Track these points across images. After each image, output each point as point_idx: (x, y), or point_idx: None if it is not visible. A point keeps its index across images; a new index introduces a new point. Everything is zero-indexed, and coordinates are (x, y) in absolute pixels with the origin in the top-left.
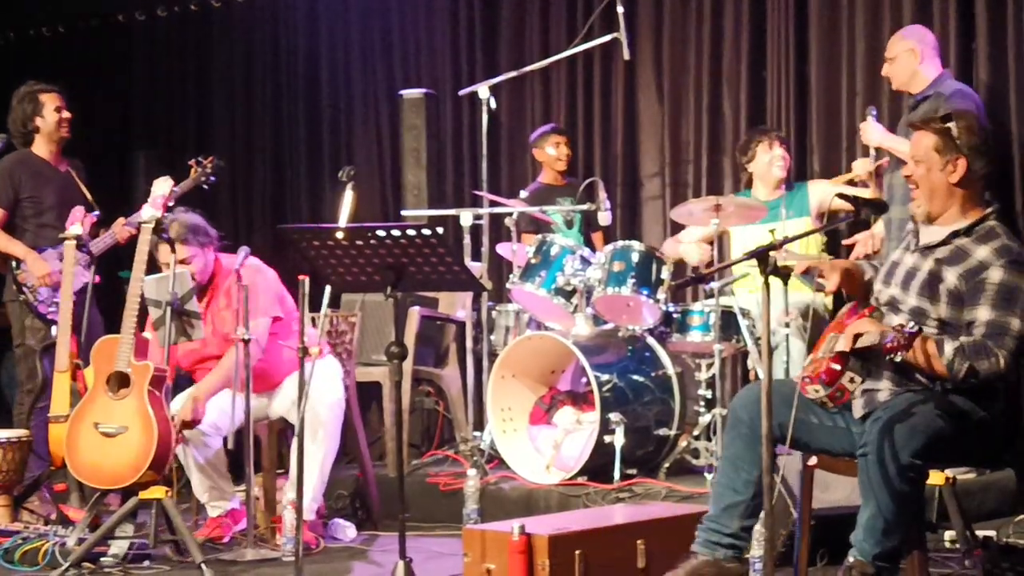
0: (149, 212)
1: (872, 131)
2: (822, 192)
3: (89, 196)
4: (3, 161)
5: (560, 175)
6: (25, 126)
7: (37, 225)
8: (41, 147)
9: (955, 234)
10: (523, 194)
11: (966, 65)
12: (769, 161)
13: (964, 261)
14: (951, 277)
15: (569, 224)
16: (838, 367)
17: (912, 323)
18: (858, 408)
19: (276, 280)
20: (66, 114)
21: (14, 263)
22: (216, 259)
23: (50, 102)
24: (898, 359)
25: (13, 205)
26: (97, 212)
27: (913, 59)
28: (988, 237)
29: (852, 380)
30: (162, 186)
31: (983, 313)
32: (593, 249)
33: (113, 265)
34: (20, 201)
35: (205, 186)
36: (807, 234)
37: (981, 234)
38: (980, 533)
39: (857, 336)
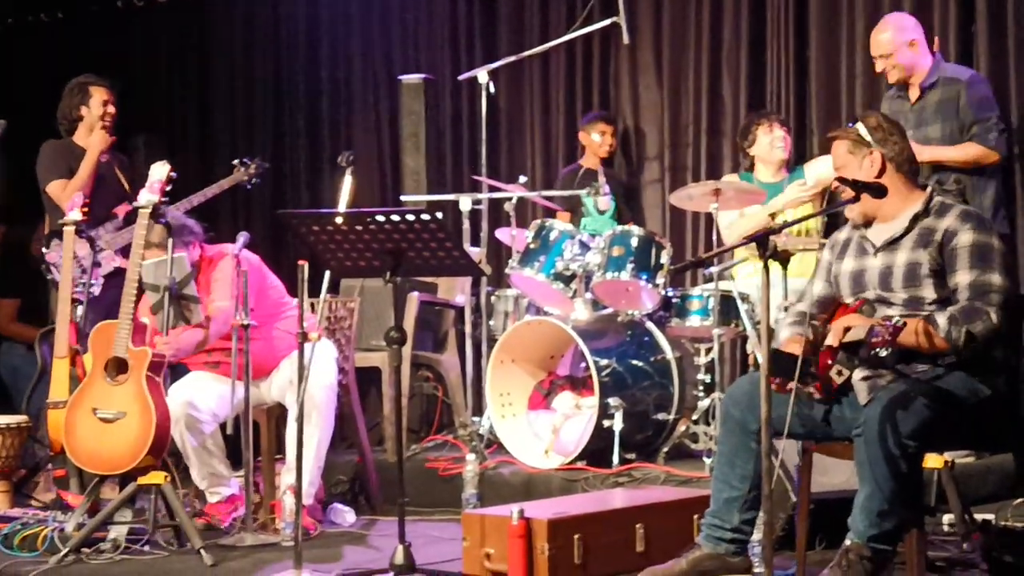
0: (146, 197)
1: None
2: (818, 170)
3: (127, 186)
4: (46, 145)
5: (600, 161)
6: (71, 115)
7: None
8: (82, 137)
9: (915, 218)
10: (562, 172)
11: (966, 52)
12: (770, 143)
13: (933, 237)
14: (927, 257)
15: (601, 211)
16: (829, 360)
17: (897, 317)
18: (863, 395)
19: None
20: (111, 108)
21: (44, 242)
22: (201, 253)
23: (98, 94)
24: (883, 354)
25: (70, 176)
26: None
27: (915, 51)
28: (945, 209)
29: (840, 373)
30: (159, 171)
31: (963, 277)
32: None
33: None
34: None
35: (248, 186)
36: (806, 218)
37: (937, 209)
38: (979, 516)
39: (846, 330)
